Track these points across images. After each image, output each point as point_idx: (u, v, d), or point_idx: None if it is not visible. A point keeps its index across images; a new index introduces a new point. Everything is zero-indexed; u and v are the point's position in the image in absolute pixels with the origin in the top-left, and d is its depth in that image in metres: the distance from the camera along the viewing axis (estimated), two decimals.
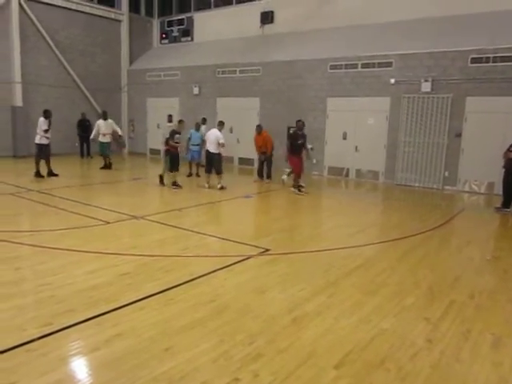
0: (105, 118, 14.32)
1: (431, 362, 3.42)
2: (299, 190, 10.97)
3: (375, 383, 3.13)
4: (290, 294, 4.68)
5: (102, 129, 14.16)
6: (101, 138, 14.15)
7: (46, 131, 11.90)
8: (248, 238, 7.00)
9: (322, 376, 3.19)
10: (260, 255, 6.01)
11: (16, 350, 3.40)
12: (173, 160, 11.17)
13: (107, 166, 14.34)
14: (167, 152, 11.26)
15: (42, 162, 12.10)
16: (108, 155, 14.33)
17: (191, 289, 4.73)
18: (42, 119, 11.98)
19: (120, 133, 14.75)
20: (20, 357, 3.31)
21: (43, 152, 12.08)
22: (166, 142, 11.23)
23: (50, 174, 12.29)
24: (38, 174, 12.09)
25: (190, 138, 12.88)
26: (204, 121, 15.58)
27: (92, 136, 14.55)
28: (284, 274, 5.30)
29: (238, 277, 5.17)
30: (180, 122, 11.66)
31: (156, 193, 11.14)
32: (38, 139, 12.00)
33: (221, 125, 11.52)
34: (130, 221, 7.77)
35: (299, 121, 11.22)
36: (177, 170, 11.26)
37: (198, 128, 13.21)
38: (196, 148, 12.87)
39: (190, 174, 13.24)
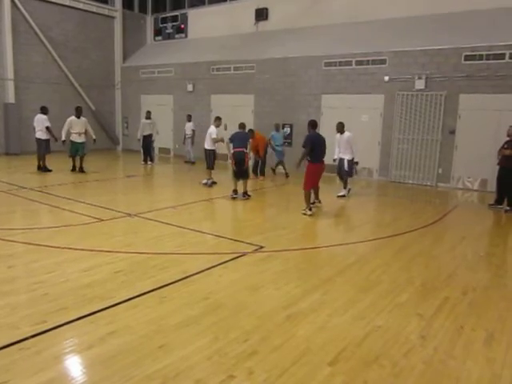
0: (78, 116, 12.65)
1: (425, 358, 3.44)
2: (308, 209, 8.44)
3: (369, 380, 3.14)
4: (284, 291, 4.69)
5: (77, 127, 12.52)
6: (75, 138, 12.52)
7: (48, 128, 12.49)
8: (242, 235, 7.00)
9: (316, 373, 3.20)
10: (254, 252, 6.01)
11: (9, 348, 3.38)
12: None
13: (81, 169, 12.76)
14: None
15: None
16: (83, 156, 12.79)
17: (185, 286, 4.72)
18: (42, 116, 12.55)
19: (94, 136, 12.98)
20: (13, 355, 3.29)
21: (46, 147, 12.62)
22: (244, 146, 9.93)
23: (45, 169, 12.74)
24: (44, 169, 12.72)
25: (271, 140, 13.15)
26: (189, 118, 15.61)
27: (63, 136, 12.51)
28: (278, 272, 5.30)
29: (233, 274, 5.17)
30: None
31: (150, 190, 11.10)
32: (40, 135, 12.53)
33: (217, 120, 11.16)
34: (123, 218, 7.74)
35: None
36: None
37: (277, 129, 13.33)
38: (280, 148, 13.14)
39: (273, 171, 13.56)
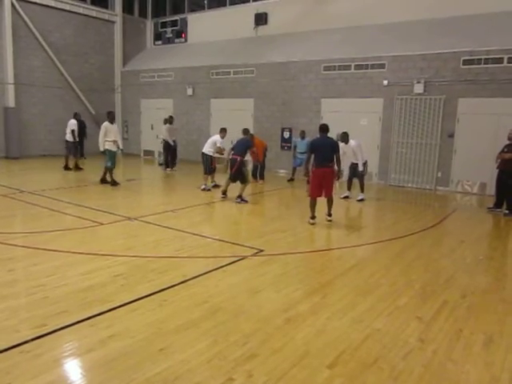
0: (111, 121, 11.33)
1: (424, 361, 3.45)
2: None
3: (368, 382, 3.15)
4: (283, 294, 4.70)
5: (111, 134, 11.21)
6: (111, 147, 11.22)
7: (73, 132, 13.61)
8: (242, 238, 7.02)
9: (315, 376, 3.21)
10: (254, 256, 6.02)
11: (9, 351, 3.39)
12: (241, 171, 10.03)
13: (115, 182, 11.48)
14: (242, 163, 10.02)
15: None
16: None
17: (185, 290, 4.73)
18: (73, 121, 13.81)
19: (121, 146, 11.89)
20: (13, 358, 3.30)
21: (75, 148, 13.84)
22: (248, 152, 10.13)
23: (77, 167, 13.99)
24: (76, 168, 13.89)
25: (295, 147, 12.99)
26: (168, 120, 15.61)
27: (101, 147, 11.21)
28: (278, 275, 5.31)
29: (232, 277, 5.18)
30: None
31: (150, 194, 11.11)
32: (68, 137, 13.72)
33: (222, 131, 11.16)
34: (123, 222, 7.75)
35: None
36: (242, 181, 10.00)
37: (303, 136, 12.98)
38: (303, 156, 12.42)
39: (291, 179, 13.25)
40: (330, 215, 8.14)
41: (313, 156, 7.91)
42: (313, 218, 8.05)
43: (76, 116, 14.13)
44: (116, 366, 3.23)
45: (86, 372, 3.22)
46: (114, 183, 11.39)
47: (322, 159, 7.79)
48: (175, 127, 15.24)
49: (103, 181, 11.61)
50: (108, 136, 11.17)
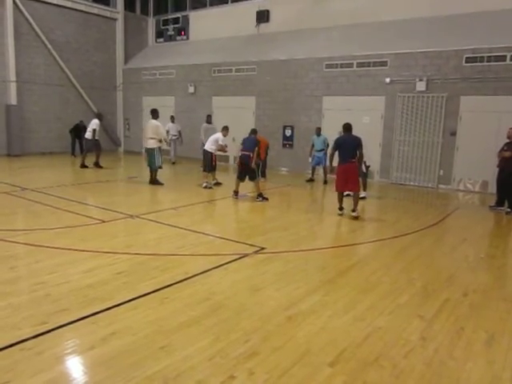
0: (156, 119, 11.49)
1: (425, 359, 3.44)
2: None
3: (370, 380, 3.15)
4: (285, 292, 4.70)
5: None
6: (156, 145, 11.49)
7: (94, 130, 13.81)
8: (243, 236, 7.01)
9: (316, 373, 3.20)
10: (255, 254, 6.01)
11: (10, 348, 3.39)
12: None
13: (156, 181, 11.62)
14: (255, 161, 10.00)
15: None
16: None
17: (187, 287, 4.73)
18: (95, 120, 13.99)
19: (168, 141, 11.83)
20: (14, 355, 3.30)
21: (96, 146, 14.07)
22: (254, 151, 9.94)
23: (97, 165, 14.23)
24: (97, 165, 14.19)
25: (313, 145, 12.58)
26: (172, 119, 15.60)
27: (167, 144, 11.79)
28: (279, 273, 5.31)
29: (234, 275, 5.18)
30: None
31: (151, 192, 11.10)
32: (88, 135, 14.00)
33: (224, 129, 11.14)
34: (125, 219, 7.75)
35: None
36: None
37: (319, 133, 12.58)
38: (320, 154, 12.41)
39: (311, 179, 12.94)
40: (354, 211, 8.40)
41: (337, 153, 8.51)
42: (340, 209, 8.68)
43: (99, 116, 14.40)
44: (117, 364, 3.24)
45: (87, 369, 3.23)
46: (158, 182, 11.52)
47: (345, 156, 8.38)
48: (213, 126, 14.29)
49: (155, 182, 11.57)
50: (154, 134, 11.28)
